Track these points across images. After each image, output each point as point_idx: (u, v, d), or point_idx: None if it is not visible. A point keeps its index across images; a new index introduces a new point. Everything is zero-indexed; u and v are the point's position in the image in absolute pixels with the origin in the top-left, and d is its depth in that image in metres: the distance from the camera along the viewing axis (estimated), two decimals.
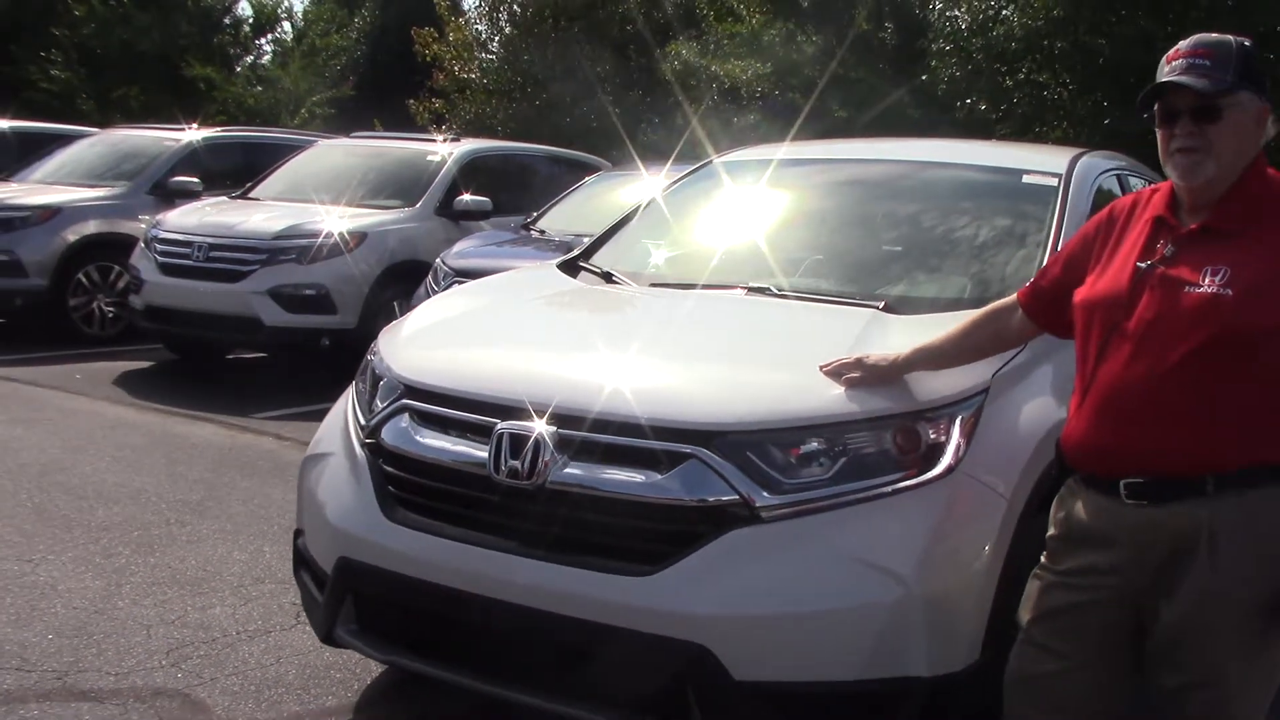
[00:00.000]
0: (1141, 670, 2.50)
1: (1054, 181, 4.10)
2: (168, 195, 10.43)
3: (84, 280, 10.02)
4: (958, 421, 2.95)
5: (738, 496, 2.80)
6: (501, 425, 3.00)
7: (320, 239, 8.73)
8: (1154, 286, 2.42)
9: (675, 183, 4.85)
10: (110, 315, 10.12)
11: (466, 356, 3.39)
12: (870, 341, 3.19)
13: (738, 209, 4.49)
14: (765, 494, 2.80)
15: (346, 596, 3.24)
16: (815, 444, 2.88)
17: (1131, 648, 2.50)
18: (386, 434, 3.24)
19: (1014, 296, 2.90)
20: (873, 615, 2.75)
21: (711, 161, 4.93)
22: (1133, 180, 4.55)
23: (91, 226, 10.17)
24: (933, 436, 2.92)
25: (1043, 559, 2.66)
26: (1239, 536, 2.34)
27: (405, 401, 3.24)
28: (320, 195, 9.65)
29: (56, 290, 9.85)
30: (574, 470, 2.92)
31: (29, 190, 10.56)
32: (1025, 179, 4.20)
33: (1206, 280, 2.35)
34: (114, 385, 8.46)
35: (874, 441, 2.90)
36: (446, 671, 3.07)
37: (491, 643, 3.03)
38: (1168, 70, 2.47)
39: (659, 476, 2.85)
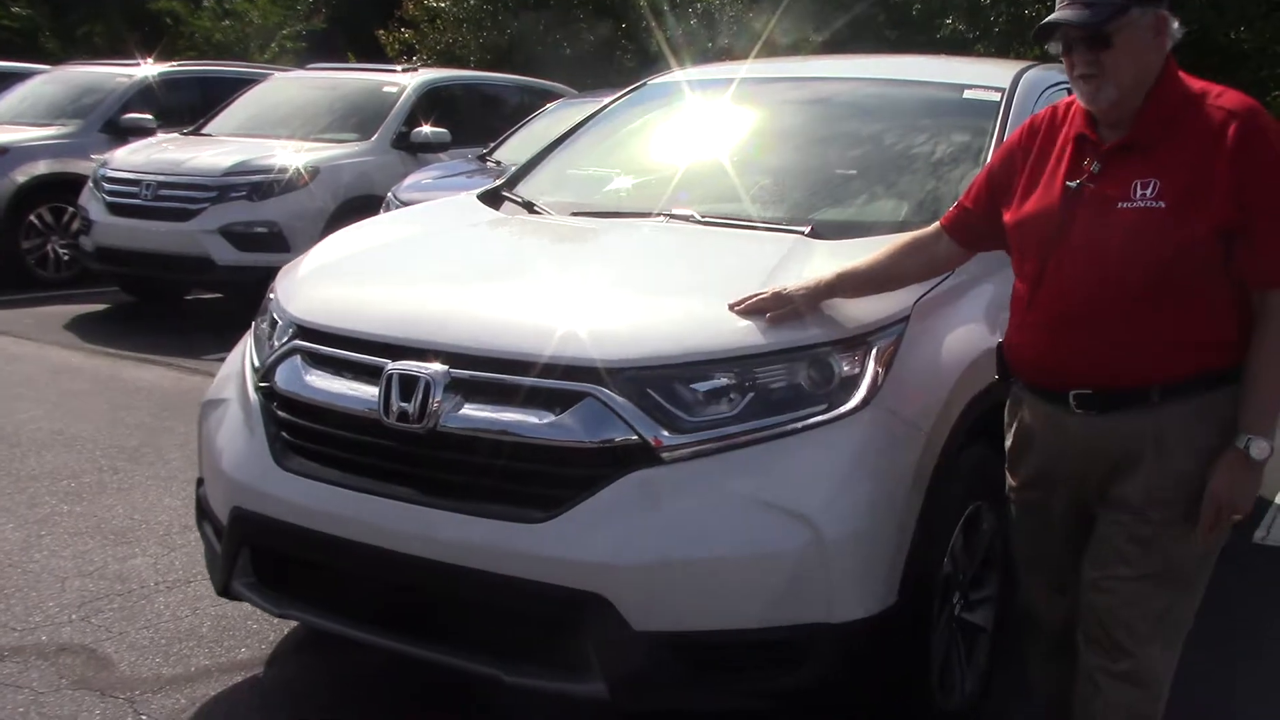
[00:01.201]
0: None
1: (996, 96, 3.89)
2: (121, 133, 10.17)
3: (36, 222, 9.80)
4: (874, 352, 2.79)
5: (636, 437, 2.63)
6: (391, 366, 2.83)
7: (273, 175, 8.53)
8: (1085, 205, 2.41)
9: (605, 106, 4.63)
10: (65, 258, 9.90)
11: (360, 294, 3.21)
12: (790, 269, 3.01)
13: (667, 132, 4.29)
14: (666, 433, 2.64)
15: (242, 549, 3.08)
16: (721, 379, 2.71)
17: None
18: (279, 377, 3.07)
19: (938, 224, 2.82)
20: (778, 560, 2.60)
21: (645, 84, 4.71)
22: None
23: (42, 166, 9.91)
24: (846, 369, 2.75)
25: (1008, 478, 2.72)
26: (1182, 439, 2.39)
27: (297, 343, 3.06)
28: (274, 130, 9.43)
29: (8, 232, 9.62)
30: (466, 412, 2.75)
31: None
32: (967, 94, 4.00)
33: (1137, 194, 2.35)
34: (65, 329, 8.28)
35: (784, 375, 2.73)
36: (344, 626, 2.93)
37: (387, 595, 2.88)
38: (1059, 3, 2.44)
39: (554, 417, 2.68)
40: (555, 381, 2.70)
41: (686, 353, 2.72)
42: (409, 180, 7.99)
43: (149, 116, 10.40)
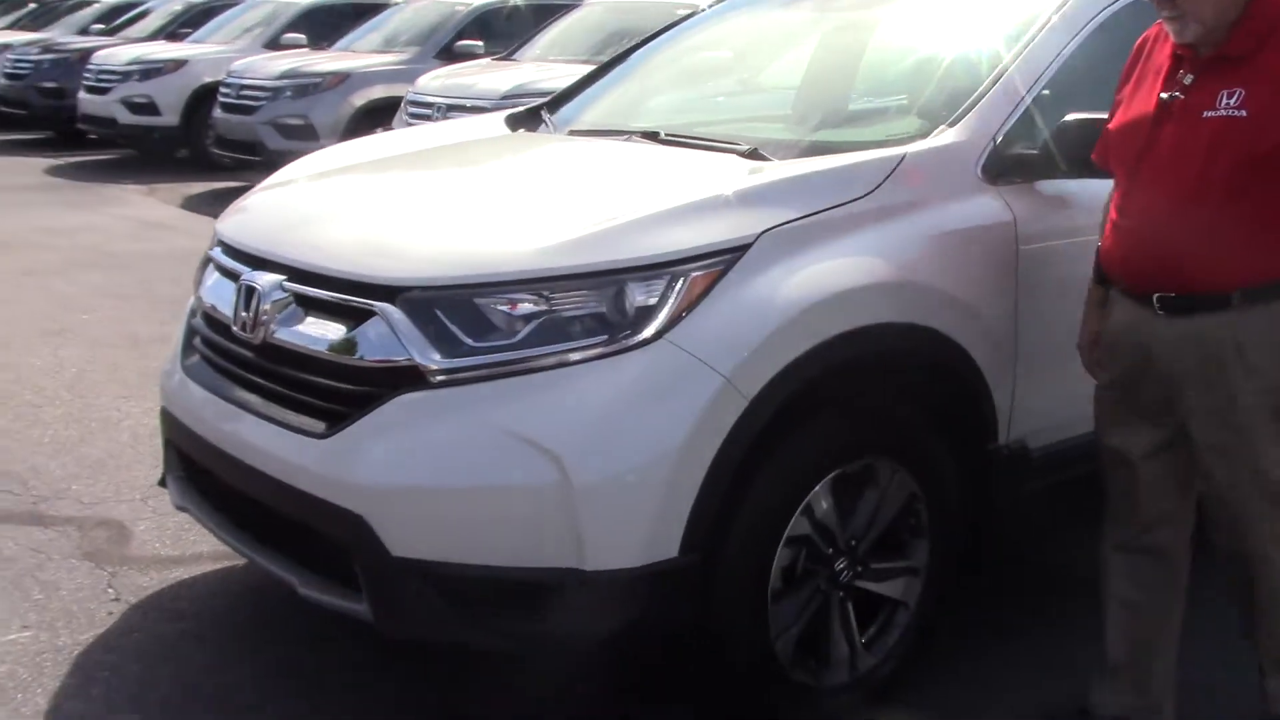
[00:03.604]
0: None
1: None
2: (455, 58, 10.81)
3: None
4: (682, 282, 2.53)
5: (409, 358, 2.55)
6: (245, 276, 2.90)
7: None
8: (1175, 115, 2.46)
9: (668, 28, 4.39)
10: None
11: (262, 209, 3.30)
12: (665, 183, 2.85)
13: (698, 49, 4.06)
14: (437, 357, 2.54)
15: (168, 444, 3.29)
16: (510, 303, 2.56)
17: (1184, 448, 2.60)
18: (200, 284, 3.23)
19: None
20: (522, 498, 2.45)
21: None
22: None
23: (378, 91, 10.76)
24: (642, 299, 2.52)
25: (1099, 375, 2.73)
26: (1264, 343, 2.44)
27: (210, 252, 3.20)
28: (576, 55, 9.66)
29: None
30: (288, 325, 2.77)
31: (325, 58, 11.31)
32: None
33: (1222, 103, 2.39)
34: None
35: (575, 302, 2.54)
36: (211, 523, 3.06)
37: (235, 497, 2.97)
38: None
39: (345, 334, 2.65)
40: (350, 298, 2.67)
41: (475, 274, 2.59)
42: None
43: (479, 43, 10.99)
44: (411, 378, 2.56)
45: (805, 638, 2.82)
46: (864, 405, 2.79)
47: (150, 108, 12.67)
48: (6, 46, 15.92)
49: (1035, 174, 3.08)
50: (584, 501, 2.42)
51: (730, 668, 2.69)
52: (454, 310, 2.57)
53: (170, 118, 12.62)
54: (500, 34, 11.36)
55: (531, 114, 4.02)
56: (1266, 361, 2.45)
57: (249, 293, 2.86)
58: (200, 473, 3.12)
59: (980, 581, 3.41)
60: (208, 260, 3.22)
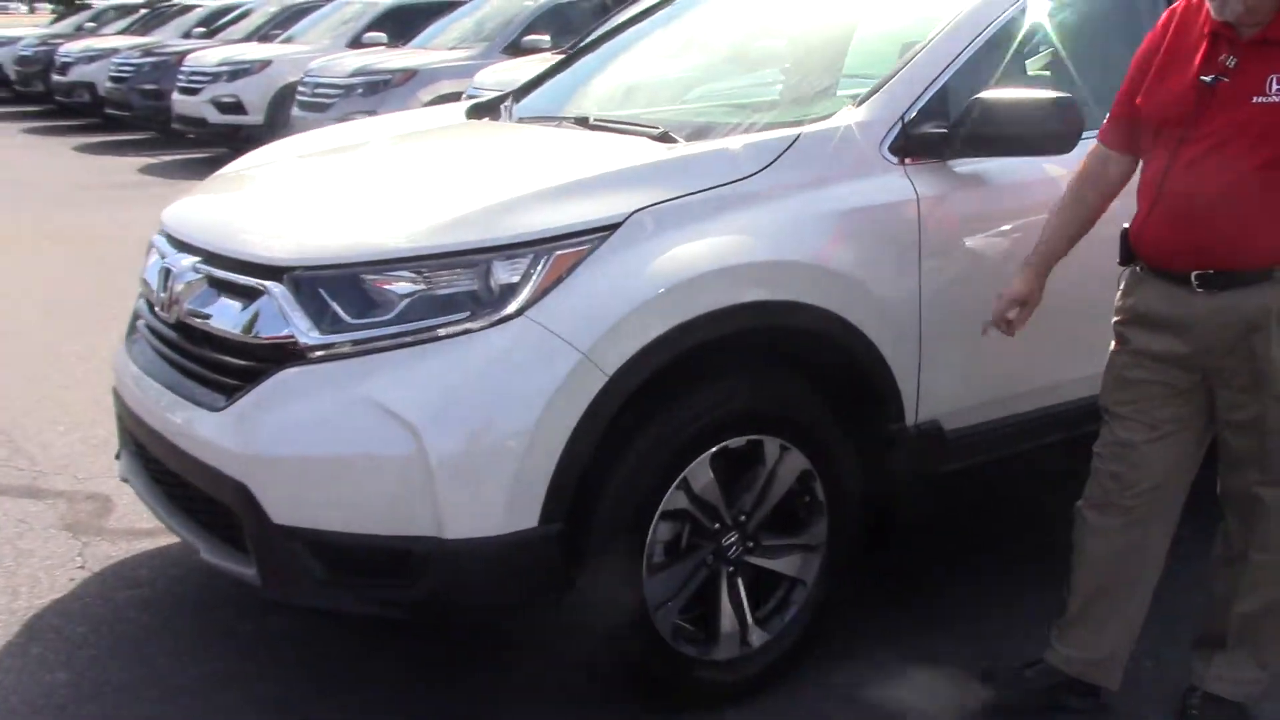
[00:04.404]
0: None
1: None
2: (520, 54, 10.98)
3: None
4: (545, 260, 2.60)
5: (290, 334, 2.66)
6: (168, 259, 3.05)
7: None
8: (1218, 98, 2.45)
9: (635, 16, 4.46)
10: None
11: (204, 194, 3.45)
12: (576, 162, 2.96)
13: (667, 40, 4.13)
14: (315, 333, 2.64)
15: (119, 421, 3.46)
16: (383, 282, 2.65)
17: (1205, 423, 2.67)
18: (145, 269, 3.39)
19: (1098, 142, 2.77)
20: (384, 468, 2.54)
21: None
22: None
23: (445, 86, 10.96)
24: (506, 276, 2.59)
25: (1113, 345, 2.74)
26: None
27: (153, 237, 3.36)
28: None
29: None
30: (198, 304, 2.91)
31: (397, 55, 11.58)
32: None
33: (1272, 88, 2.39)
34: None
35: (448, 280, 2.62)
36: (143, 494, 3.21)
37: (162, 470, 3.12)
38: None
39: (239, 312, 2.78)
40: (246, 278, 2.79)
41: (352, 254, 2.69)
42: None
43: (544, 38, 11.13)
44: (294, 353, 2.67)
45: (694, 611, 2.87)
46: (743, 382, 2.82)
47: (237, 107, 13.12)
48: (114, 50, 16.60)
49: (949, 153, 3.07)
50: (440, 471, 2.50)
51: (607, 636, 2.75)
52: (335, 288, 2.67)
53: (256, 116, 13.06)
54: (567, 29, 11.49)
55: (495, 103, 4.12)
56: None
57: (167, 274, 3.01)
58: (141, 447, 3.28)
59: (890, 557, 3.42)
60: (150, 245, 3.37)
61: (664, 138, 3.09)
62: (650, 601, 2.76)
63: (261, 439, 2.65)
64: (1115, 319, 2.74)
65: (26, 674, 3.08)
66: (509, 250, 2.61)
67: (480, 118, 4.01)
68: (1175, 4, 2.65)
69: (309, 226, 2.87)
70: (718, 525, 2.85)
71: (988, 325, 2.85)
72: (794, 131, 2.97)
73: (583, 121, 3.47)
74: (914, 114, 3.05)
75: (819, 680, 3.03)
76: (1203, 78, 2.48)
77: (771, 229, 2.80)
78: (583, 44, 4.46)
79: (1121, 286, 2.73)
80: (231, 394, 2.75)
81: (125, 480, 3.38)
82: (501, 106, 4.02)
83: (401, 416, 2.53)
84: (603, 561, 2.67)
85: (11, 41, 20.81)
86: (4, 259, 8.34)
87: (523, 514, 2.55)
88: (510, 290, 2.59)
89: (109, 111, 16.10)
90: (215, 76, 13.36)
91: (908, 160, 3.03)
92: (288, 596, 2.76)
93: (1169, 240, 2.55)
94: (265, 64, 13.32)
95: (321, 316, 2.66)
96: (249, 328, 2.74)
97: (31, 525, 3.94)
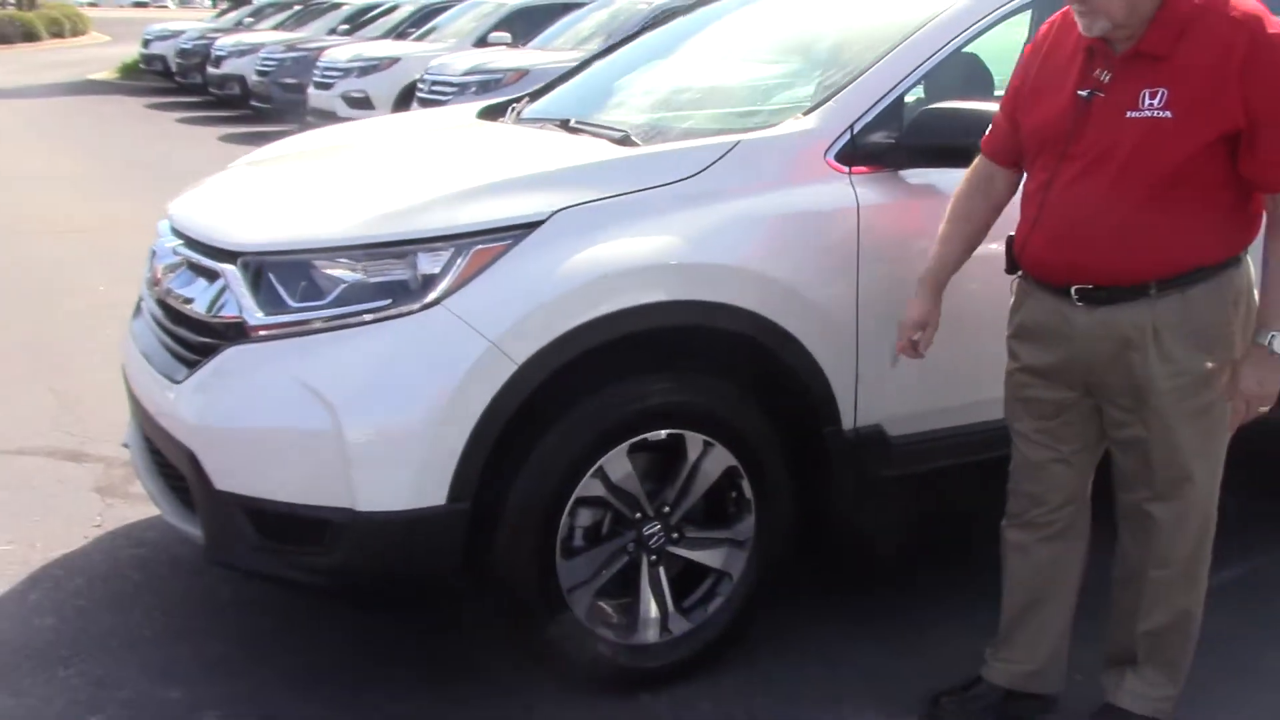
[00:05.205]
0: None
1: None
2: None
3: None
4: (465, 254, 2.75)
5: (237, 315, 2.87)
6: (158, 241, 3.30)
7: None
8: (1095, 114, 2.47)
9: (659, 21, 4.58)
10: None
11: (205, 186, 3.67)
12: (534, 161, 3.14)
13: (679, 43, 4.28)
14: (260, 314, 2.84)
15: (129, 395, 3.72)
16: (324, 269, 2.84)
17: (1095, 432, 2.72)
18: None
19: (979, 157, 2.81)
20: (304, 441, 2.72)
21: None
22: None
23: None
24: (428, 268, 2.75)
25: (1008, 362, 2.78)
26: (1179, 327, 2.50)
27: (159, 224, 3.61)
28: None
29: None
30: (175, 284, 3.15)
31: (511, 55, 11.89)
32: None
33: (1145, 103, 2.40)
34: None
35: (379, 270, 2.80)
36: (136, 461, 3.46)
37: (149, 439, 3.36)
38: None
39: (204, 291, 3.00)
40: (209, 261, 3.01)
41: (294, 242, 2.89)
42: None
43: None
44: (238, 333, 2.87)
45: (615, 596, 2.99)
46: (664, 379, 2.91)
47: (365, 102, 13.64)
48: (260, 45, 17.37)
49: (898, 163, 3.12)
50: (354, 448, 2.68)
51: (519, 613, 2.89)
52: (280, 273, 2.87)
53: (383, 111, 13.51)
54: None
55: (505, 105, 4.28)
56: (1180, 344, 2.50)
57: (153, 255, 3.25)
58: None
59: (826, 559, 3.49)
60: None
61: (625, 140, 3.22)
62: (564, 583, 2.89)
63: (207, 410, 2.87)
64: (1007, 334, 2.77)
65: (19, 619, 3.36)
66: (431, 243, 2.77)
67: (492, 119, 4.17)
68: (1051, 17, 2.65)
69: (267, 216, 3.08)
70: (639, 515, 2.96)
71: (894, 357, 2.91)
72: (734, 138, 3.06)
73: (564, 124, 3.60)
74: (864, 124, 3.11)
75: (745, 671, 3.11)
76: (1079, 92, 2.48)
77: (697, 232, 2.89)
78: (603, 50, 4.56)
79: (1011, 300, 2.76)
80: (191, 367, 2.97)
81: (125, 446, 3.65)
82: (510, 108, 4.18)
83: (323, 395, 2.71)
84: (514, 541, 2.81)
85: (175, 34, 21.92)
86: (124, 240, 8.84)
87: (430, 492, 2.71)
88: (431, 281, 2.75)
89: (255, 104, 16.86)
90: (347, 72, 13.91)
91: (854, 169, 3.09)
92: (227, 559, 2.96)
93: (1050, 256, 2.57)
94: (393, 61, 13.80)
95: (267, 299, 2.86)
96: (211, 307, 2.96)
97: (67, 485, 4.26)
